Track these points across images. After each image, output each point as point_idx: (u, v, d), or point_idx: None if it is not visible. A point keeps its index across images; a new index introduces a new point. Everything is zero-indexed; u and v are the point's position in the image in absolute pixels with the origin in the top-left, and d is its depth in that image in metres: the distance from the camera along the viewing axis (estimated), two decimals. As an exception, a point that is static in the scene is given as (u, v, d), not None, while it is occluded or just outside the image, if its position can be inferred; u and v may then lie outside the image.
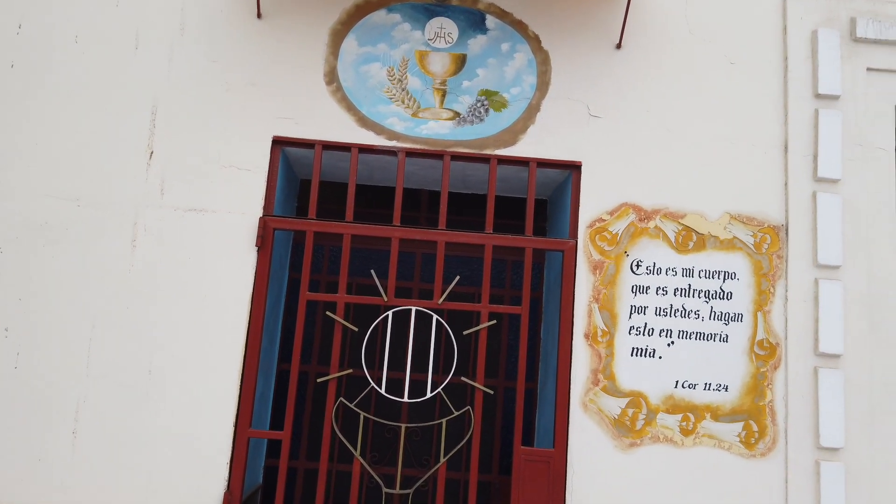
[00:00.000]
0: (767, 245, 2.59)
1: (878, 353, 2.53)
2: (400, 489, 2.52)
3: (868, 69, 2.70)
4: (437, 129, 2.65)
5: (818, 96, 2.66)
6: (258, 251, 2.52)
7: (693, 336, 2.53)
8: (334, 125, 2.63)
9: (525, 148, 2.65)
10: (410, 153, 2.66)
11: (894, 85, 2.70)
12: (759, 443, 2.45)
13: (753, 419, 2.47)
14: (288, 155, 2.72)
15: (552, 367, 2.67)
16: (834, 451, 2.43)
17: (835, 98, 2.66)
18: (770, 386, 2.49)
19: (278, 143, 2.62)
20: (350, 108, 2.64)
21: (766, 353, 2.52)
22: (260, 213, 2.55)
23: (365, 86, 2.66)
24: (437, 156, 2.66)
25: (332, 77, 2.65)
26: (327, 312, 2.60)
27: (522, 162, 2.65)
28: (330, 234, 2.64)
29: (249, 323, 2.48)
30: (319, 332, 3.23)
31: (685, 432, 2.46)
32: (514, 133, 2.66)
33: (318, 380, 2.60)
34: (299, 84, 2.64)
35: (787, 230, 2.60)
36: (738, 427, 2.46)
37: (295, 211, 3.10)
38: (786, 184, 2.63)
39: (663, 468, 2.44)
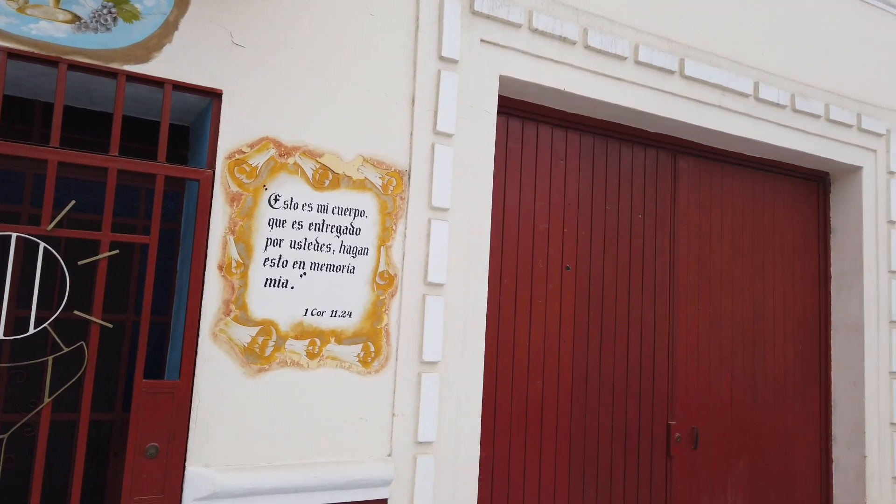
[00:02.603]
0: (393, 187, 2.89)
1: (472, 282, 3.05)
2: (-5, 437, 2.24)
3: (482, 40, 3.14)
4: (50, 31, 2.31)
5: (441, 58, 3.01)
6: None
7: (324, 268, 2.72)
8: None
9: (160, 67, 2.47)
10: (14, 55, 2.27)
11: (500, 57, 3.19)
12: (374, 361, 2.78)
13: (371, 341, 2.78)
14: None
15: (185, 299, 2.61)
16: (433, 365, 2.89)
17: (454, 62, 3.04)
18: (387, 311, 2.83)
19: None
20: (-76, -14, 2.13)
21: (385, 282, 2.84)
22: None
23: (-51, -38, 2.17)
24: (51, 62, 2.32)
25: None
26: None
27: (156, 82, 2.48)
28: None
29: None
30: None
31: (311, 356, 2.66)
32: (147, 49, 2.45)
33: None
34: None
35: (409, 175, 2.92)
36: (357, 349, 2.75)
37: None
38: (411, 133, 2.94)
39: (290, 389, 2.61)
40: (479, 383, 3.03)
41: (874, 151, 4.39)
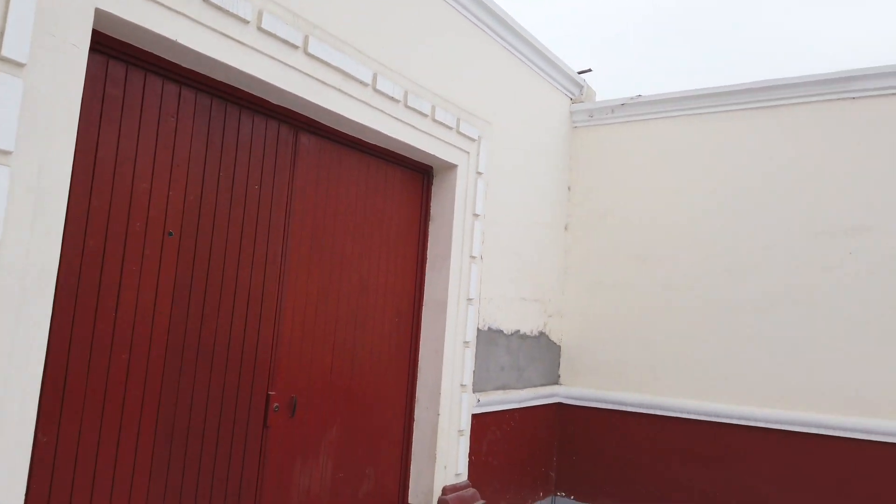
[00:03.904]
0: (-73, 115, 2.30)
1: (39, 241, 2.61)
2: None
3: (73, -38, 2.69)
4: None
5: (13, -30, 2.50)
6: None
7: None
8: None
9: None
10: None
11: (97, -12, 2.79)
12: None
13: None
14: None
15: None
16: (-27, 336, 2.40)
17: (32, -22, 2.55)
18: None
19: None
20: None
21: None
22: None
23: None
24: None
25: None
26: None
27: None
28: None
29: None
30: None
31: None
32: None
33: None
34: None
35: (-45, 103, 2.36)
36: None
37: None
38: (-39, 52, 2.38)
39: None
40: (40, 358, 2.62)
41: (467, 153, 5.10)
